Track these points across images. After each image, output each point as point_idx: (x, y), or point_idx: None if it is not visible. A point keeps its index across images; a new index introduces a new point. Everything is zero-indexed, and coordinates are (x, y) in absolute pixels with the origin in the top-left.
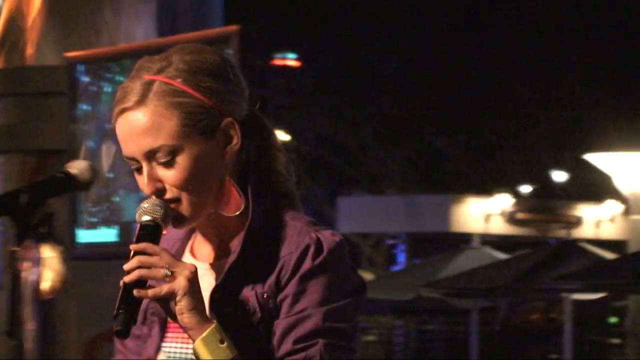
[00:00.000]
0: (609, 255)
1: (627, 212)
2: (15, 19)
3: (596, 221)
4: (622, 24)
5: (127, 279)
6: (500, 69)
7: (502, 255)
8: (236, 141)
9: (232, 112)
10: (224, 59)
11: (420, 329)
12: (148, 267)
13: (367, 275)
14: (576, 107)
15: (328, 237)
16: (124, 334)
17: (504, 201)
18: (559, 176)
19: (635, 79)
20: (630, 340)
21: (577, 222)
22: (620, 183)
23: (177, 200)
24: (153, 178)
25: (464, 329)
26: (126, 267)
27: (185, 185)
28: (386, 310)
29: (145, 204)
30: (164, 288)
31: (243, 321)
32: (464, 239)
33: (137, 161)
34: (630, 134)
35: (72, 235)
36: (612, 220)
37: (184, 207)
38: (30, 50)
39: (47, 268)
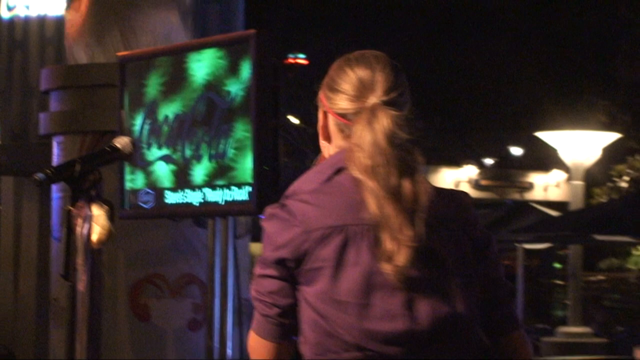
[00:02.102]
0: (554, 213)
1: (569, 179)
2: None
3: (544, 186)
4: (562, 22)
5: None
6: (468, 63)
7: None
8: None
9: None
10: None
11: None
12: None
13: None
14: (530, 94)
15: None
16: None
17: (471, 171)
18: (516, 150)
19: (576, 69)
20: (571, 281)
21: (529, 187)
22: (564, 155)
23: None
24: None
25: None
26: None
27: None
28: None
29: None
30: None
31: None
32: None
33: None
34: (572, 116)
35: (121, 198)
36: (557, 185)
37: None
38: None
39: (96, 224)
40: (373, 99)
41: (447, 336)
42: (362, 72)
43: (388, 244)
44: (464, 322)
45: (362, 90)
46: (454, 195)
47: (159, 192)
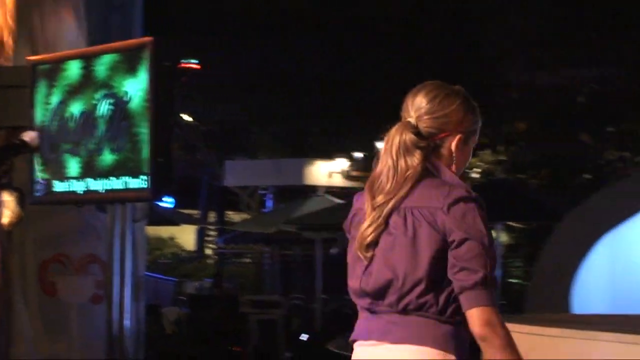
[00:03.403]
0: None
1: None
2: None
3: None
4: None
5: None
6: (338, 68)
7: (339, 201)
8: None
9: None
10: None
11: (282, 254)
12: None
13: (245, 215)
14: (391, 97)
15: None
16: None
17: (342, 163)
18: (381, 145)
19: (436, 71)
20: None
21: None
22: None
23: None
24: None
25: (312, 254)
26: None
27: None
28: (258, 240)
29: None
30: None
31: None
32: (313, 190)
33: None
34: None
35: (31, 186)
36: None
37: None
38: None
39: (6, 208)
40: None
41: (387, 295)
42: None
43: (362, 227)
44: (401, 286)
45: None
46: (441, 190)
47: (63, 181)
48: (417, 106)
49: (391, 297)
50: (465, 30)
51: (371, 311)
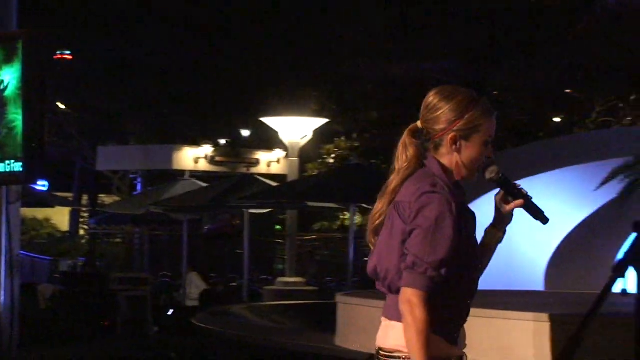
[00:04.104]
0: (275, 183)
1: (287, 156)
2: None
3: (268, 162)
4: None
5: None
6: (202, 59)
7: (204, 184)
8: None
9: None
10: None
11: (151, 234)
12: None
13: (116, 198)
14: (256, 87)
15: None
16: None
17: (207, 149)
18: (245, 132)
19: (292, 66)
20: (288, 240)
21: (256, 162)
22: (283, 136)
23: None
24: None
25: (179, 234)
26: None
27: None
28: (128, 221)
29: (496, 167)
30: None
31: None
32: (180, 174)
33: (490, 141)
34: (289, 104)
35: None
36: (277, 161)
37: None
38: None
39: None
40: None
41: (381, 278)
42: None
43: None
44: (384, 272)
45: None
46: (418, 185)
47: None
48: (422, 108)
49: (384, 281)
50: (320, 26)
51: (383, 291)
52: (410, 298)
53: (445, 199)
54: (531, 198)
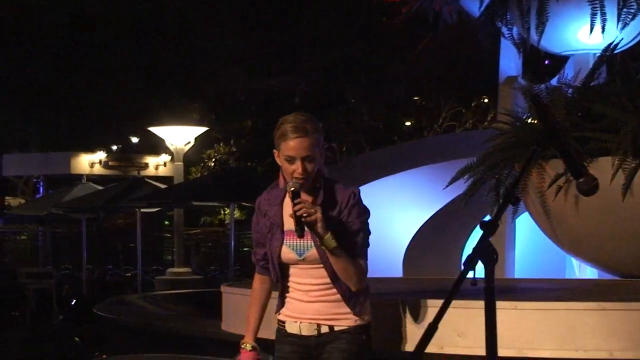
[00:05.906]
0: (162, 185)
1: (172, 160)
2: None
3: (155, 165)
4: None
5: (298, 212)
6: (97, 74)
7: (100, 187)
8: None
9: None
10: None
11: (53, 232)
12: (306, 207)
13: (21, 200)
14: (144, 100)
15: (354, 190)
16: (299, 232)
17: (102, 155)
18: (135, 140)
19: (174, 82)
20: (176, 234)
21: (145, 166)
22: (169, 143)
23: (307, 178)
24: (304, 168)
25: (78, 231)
26: (296, 209)
27: (312, 171)
28: (32, 220)
29: (293, 181)
30: (316, 215)
31: (335, 229)
32: (78, 178)
33: (294, 158)
34: (174, 114)
35: None
36: (164, 165)
37: (308, 181)
38: None
39: None
40: None
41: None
42: None
43: None
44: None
45: None
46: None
47: None
48: None
49: None
50: (195, 42)
51: None
52: None
53: (258, 200)
54: (301, 217)
